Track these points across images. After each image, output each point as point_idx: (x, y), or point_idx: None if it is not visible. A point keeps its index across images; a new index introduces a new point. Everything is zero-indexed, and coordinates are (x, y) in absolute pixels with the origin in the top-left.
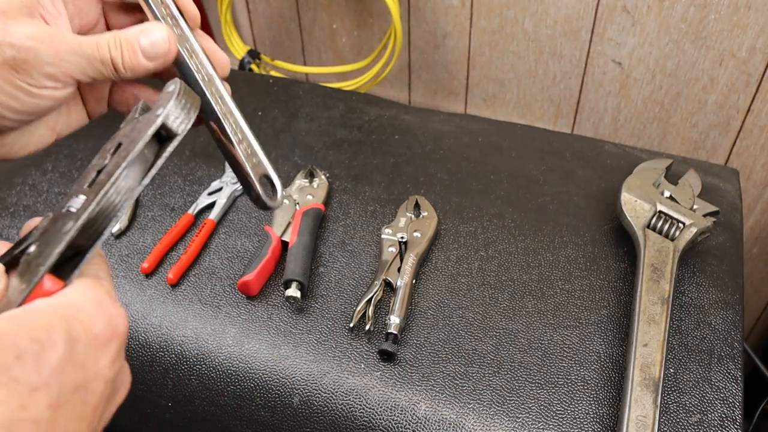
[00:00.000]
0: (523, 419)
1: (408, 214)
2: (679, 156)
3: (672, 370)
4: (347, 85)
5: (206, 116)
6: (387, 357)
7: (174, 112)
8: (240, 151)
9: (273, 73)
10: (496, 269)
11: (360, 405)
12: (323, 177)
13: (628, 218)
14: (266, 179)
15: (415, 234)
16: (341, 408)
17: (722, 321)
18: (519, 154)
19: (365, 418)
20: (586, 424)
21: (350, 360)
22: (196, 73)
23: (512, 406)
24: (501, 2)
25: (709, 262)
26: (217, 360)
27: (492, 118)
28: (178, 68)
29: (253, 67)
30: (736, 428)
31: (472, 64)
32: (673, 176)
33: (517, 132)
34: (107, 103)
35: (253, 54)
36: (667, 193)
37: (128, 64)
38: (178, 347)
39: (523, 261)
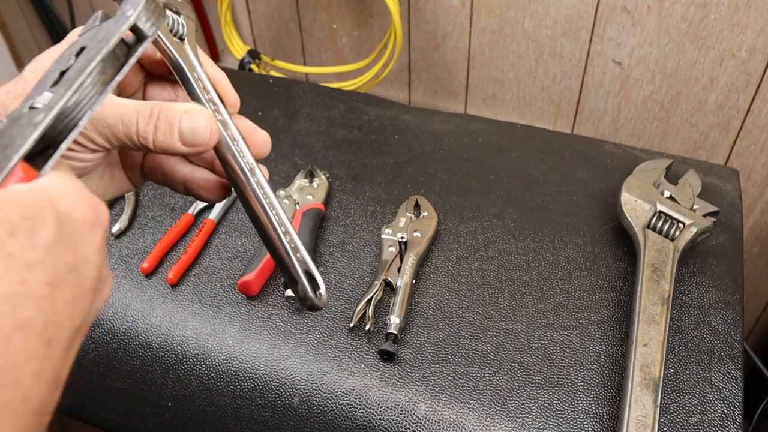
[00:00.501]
0: (523, 419)
1: (408, 214)
2: (679, 156)
3: (672, 370)
4: (347, 85)
5: (249, 206)
6: (387, 357)
7: (145, 14)
8: (286, 245)
9: (273, 73)
10: (496, 269)
11: (360, 405)
12: (323, 177)
13: (628, 218)
14: (309, 276)
15: (415, 234)
16: (341, 408)
17: (722, 321)
18: (519, 154)
19: (365, 418)
20: (586, 424)
21: (350, 360)
22: (238, 163)
23: (512, 406)
24: (501, 2)
25: (709, 262)
26: (217, 360)
27: (492, 118)
28: (218, 154)
29: (253, 67)
30: (736, 428)
31: (472, 64)
32: (673, 176)
33: (517, 132)
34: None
35: (253, 54)
36: (667, 193)
37: (161, 143)
38: (178, 347)
39: (523, 261)
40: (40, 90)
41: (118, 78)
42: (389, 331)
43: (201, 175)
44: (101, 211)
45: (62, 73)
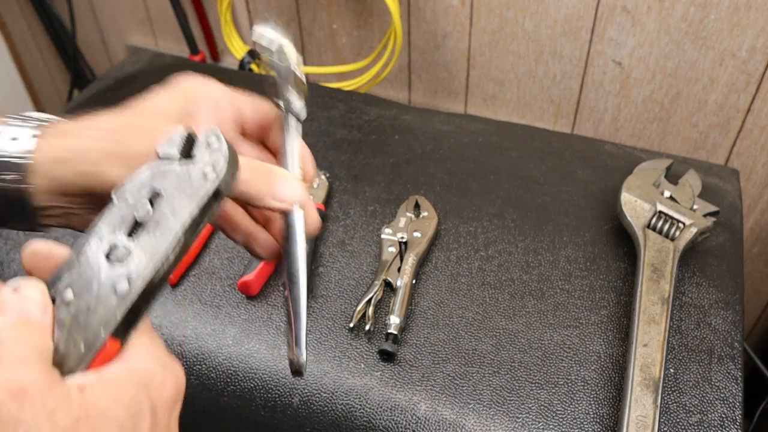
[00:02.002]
0: (523, 419)
1: (408, 214)
2: (679, 156)
3: (672, 370)
4: (347, 85)
5: (290, 271)
6: (387, 357)
7: (227, 177)
8: (303, 313)
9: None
10: (496, 269)
11: (360, 405)
12: (323, 177)
13: (628, 218)
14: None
15: (415, 234)
16: (341, 408)
17: (722, 321)
18: (519, 154)
19: (365, 418)
20: (586, 424)
21: (350, 360)
22: (293, 227)
23: (512, 406)
24: (501, 2)
25: (709, 262)
26: (217, 360)
27: (492, 118)
28: (286, 218)
29: (253, 67)
30: (736, 428)
31: (472, 64)
32: (673, 176)
33: (517, 132)
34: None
35: (253, 54)
36: (667, 193)
37: (255, 192)
38: (178, 347)
39: (523, 261)
40: (113, 229)
41: (191, 240)
42: (389, 331)
43: (262, 235)
44: (182, 382)
45: (137, 223)
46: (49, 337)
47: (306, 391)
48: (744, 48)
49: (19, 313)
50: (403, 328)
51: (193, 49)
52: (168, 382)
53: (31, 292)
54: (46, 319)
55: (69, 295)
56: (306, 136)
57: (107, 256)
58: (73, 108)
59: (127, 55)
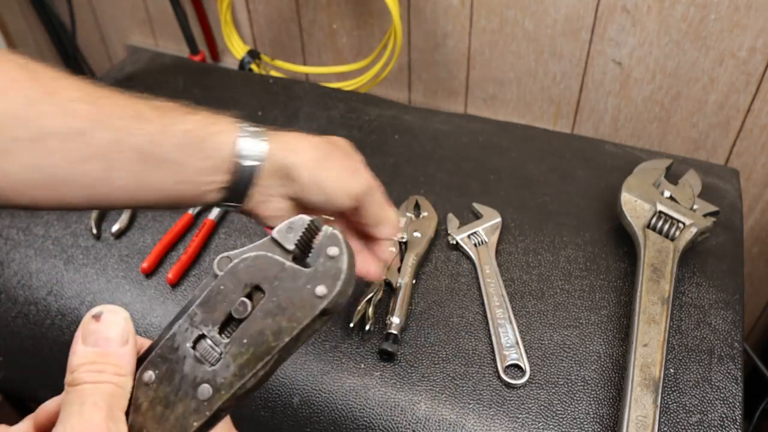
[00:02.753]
0: (523, 419)
1: (408, 214)
2: (679, 156)
3: (672, 370)
4: (347, 85)
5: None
6: (387, 357)
7: (338, 297)
8: None
9: (273, 73)
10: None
11: (360, 405)
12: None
13: (628, 218)
14: None
15: (415, 234)
16: (341, 408)
17: (722, 321)
18: (519, 154)
19: (365, 418)
20: (586, 424)
21: (350, 360)
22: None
23: (512, 406)
24: (501, 2)
25: (709, 262)
26: None
27: (492, 118)
28: None
29: (253, 67)
30: (736, 428)
31: (472, 64)
32: (673, 176)
33: (517, 132)
34: None
35: (253, 54)
36: (667, 193)
37: (373, 218)
38: None
39: (523, 261)
40: (206, 317)
41: (287, 356)
42: (389, 331)
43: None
44: None
45: (230, 317)
46: (127, 378)
47: (306, 391)
48: (744, 48)
49: (99, 343)
50: (404, 328)
51: (193, 49)
52: None
53: (114, 323)
54: (125, 351)
55: (149, 376)
56: None
57: (194, 346)
58: None
59: (127, 55)
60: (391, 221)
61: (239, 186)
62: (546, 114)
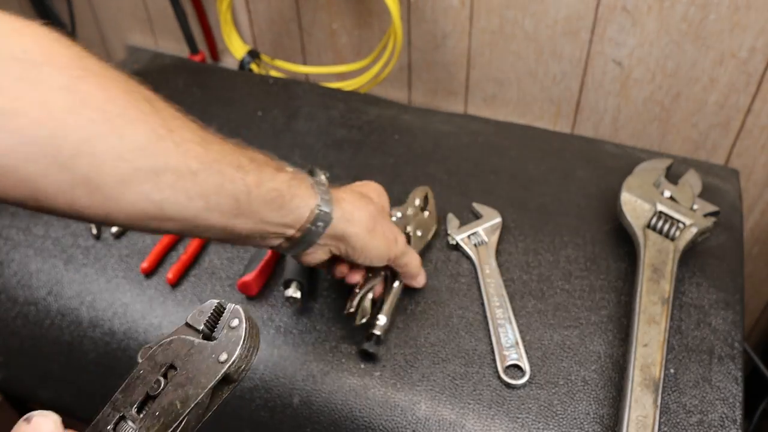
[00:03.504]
0: (523, 419)
1: (417, 203)
2: (679, 156)
3: (672, 370)
4: (347, 85)
5: None
6: (368, 358)
7: (239, 362)
8: None
9: (273, 73)
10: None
11: (360, 405)
12: (323, 177)
13: (628, 218)
14: None
15: (418, 233)
16: (341, 408)
17: (722, 321)
18: (519, 154)
19: (365, 418)
20: (586, 424)
21: (350, 360)
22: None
23: (512, 406)
24: (501, 2)
25: (709, 262)
26: None
27: (492, 118)
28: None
29: (253, 67)
30: (736, 428)
31: (472, 64)
32: (673, 176)
33: (517, 132)
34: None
35: (253, 54)
36: (667, 193)
37: (407, 275)
38: None
39: (523, 261)
40: (126, 400)
41: (198, 425)
42: (372, 331)
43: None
44: None
45: (149, 397)
46: None
47: (306, 391)
48: (744, 48)
49: None
50: (389, 329)
51: (193, 49)
52: None
53: (44, 424)
54: None
55: None
56: (306, 136)
57: (114, 429)
58: None
59: (127, 55)
60: (421, 278)
61: (303, 241)
62: (546, 114)
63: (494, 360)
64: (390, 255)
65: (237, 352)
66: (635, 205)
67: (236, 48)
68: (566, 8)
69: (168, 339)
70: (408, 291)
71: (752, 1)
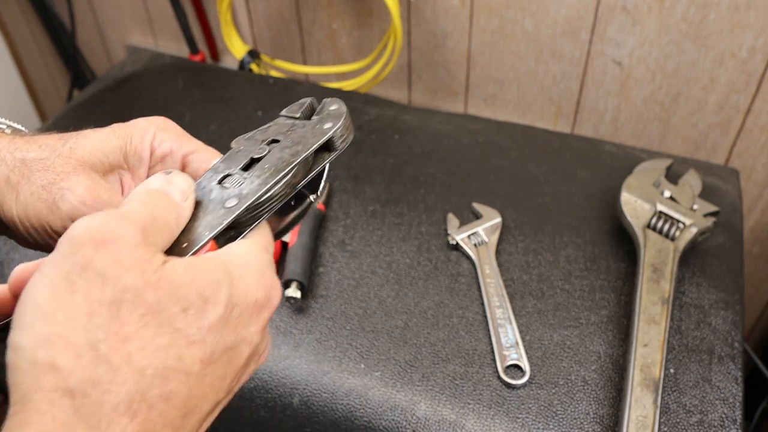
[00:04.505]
0: (523, 419)
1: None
2: (679, 156)
3: (672, 370)
4: (347, 85)
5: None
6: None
7: (340, 131)
8: None
9: (273, 73)
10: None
11: (360, 405)
12: None
13: (628, 218)
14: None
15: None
16: (341, 408)
17: (722, 321)
18: (519, 154)
19: (365, 418)
20: (586, 424)
21: (350, 360)
22: None
23: (512, 406)
24: (501, 2)
25: (709, 262)
26: None
27: (492, 118)
28: None
29: (253, 67)
30: (736, 428)
31: (472, 64)
32: (673, 176)
33: (517, 132)
34: None
35: (253, 54)
36: (667, 193)
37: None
38: None
39: (523, 261)
40: (230, 165)
41: (304, 182)
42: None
43: None
44: (274, 296)
45: (254, 160)
46: (175, 218)
47: (306, 391)
48: (744, 48)
49: (161, 187)
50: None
51: (193, 49)
52: (260, 287)
53: (179, 180)
54: (182, 205)
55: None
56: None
57: (220, 183)
58: (72, 108)
59: (127, 55)
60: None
61: None
62: (546, 114)
63: (494, 360)
64: None
65: (341, 122)
66: (635, 205)
67: (236, 48)
68: (566, 8)
69: (265, 126)
70: (408, 291)
71: (752, 1)
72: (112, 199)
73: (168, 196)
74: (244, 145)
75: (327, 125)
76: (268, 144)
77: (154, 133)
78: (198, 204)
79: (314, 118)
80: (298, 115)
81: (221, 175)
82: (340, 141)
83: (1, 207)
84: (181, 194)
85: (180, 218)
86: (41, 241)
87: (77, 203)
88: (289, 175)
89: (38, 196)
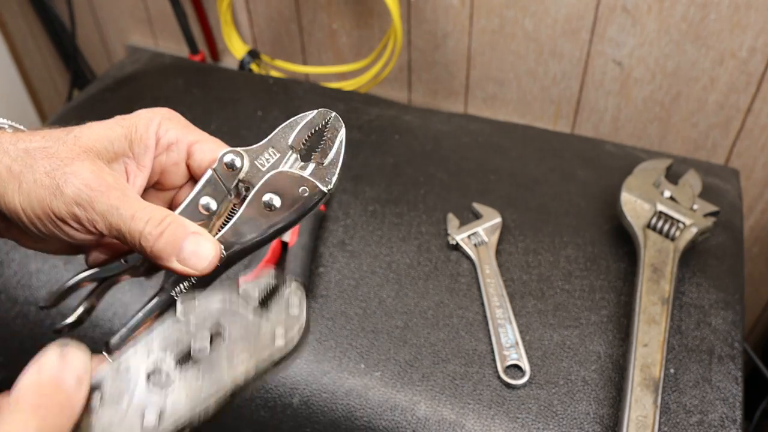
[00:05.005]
0: (523, 419)
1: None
2: (679, 156)
3: (672, 370)
4: (347, 85)
5: None
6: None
7: (296, 348)
8: None
9: (273, 73)
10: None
11: (360, 405)
12: None
13: (628, 218)
14: None
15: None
16: (341, 408)
17: (722, 321)
18: (519, 154)
19: (365, 418)
20: (586, 424)
21: (350, 360)
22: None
23: (512, 406)
24: (501, 2)
25: (709, 262)
26: None
27: (492, 118)
28: None
29: (253, 67)
30: (736, 428)
31: (472, 64)
32: (673, 176)
33: (517, 132)
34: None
35: (253, 54)
36: (667, 193)
37: (158, 252)
38: None
39: (523, 261)
40: (163, 344)
41: (244, 394)
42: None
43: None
44: None
45: (189, 355)
46: (67, 417)
47: (306, 391)
48: (744, 48)
49: (54, 374)
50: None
51: (193, 49)
52: None
53: (74, 360)
54: (77, 393)
55: (96, 401)
56: None
57: (148, 375)
58: (72, 108)
59: (127, 55)
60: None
61: None
62: (546, 114)
63: (494, 360)
64: None
65: (295, 337)
66: (635, 205)
67: (236, 48)
68: (566, 8)
69: (215, 301)
70: (408, 291)
71: (752, 1)
72: (117, 183)
73: (60, 387)
74: (188, 321)
75: (279, 337)
76: (212, 335)
77: (159, 122)
78: (119, 400)
79: (271, 311)
80: (254, 300)
81: (151, 365)
82: (290, 356)
83: (3, 198)
84: (75, 380)
85: (73, 415)
86: (45, 230)
87: (82, 186)
88: (224, 398)
89: (41, 183)
